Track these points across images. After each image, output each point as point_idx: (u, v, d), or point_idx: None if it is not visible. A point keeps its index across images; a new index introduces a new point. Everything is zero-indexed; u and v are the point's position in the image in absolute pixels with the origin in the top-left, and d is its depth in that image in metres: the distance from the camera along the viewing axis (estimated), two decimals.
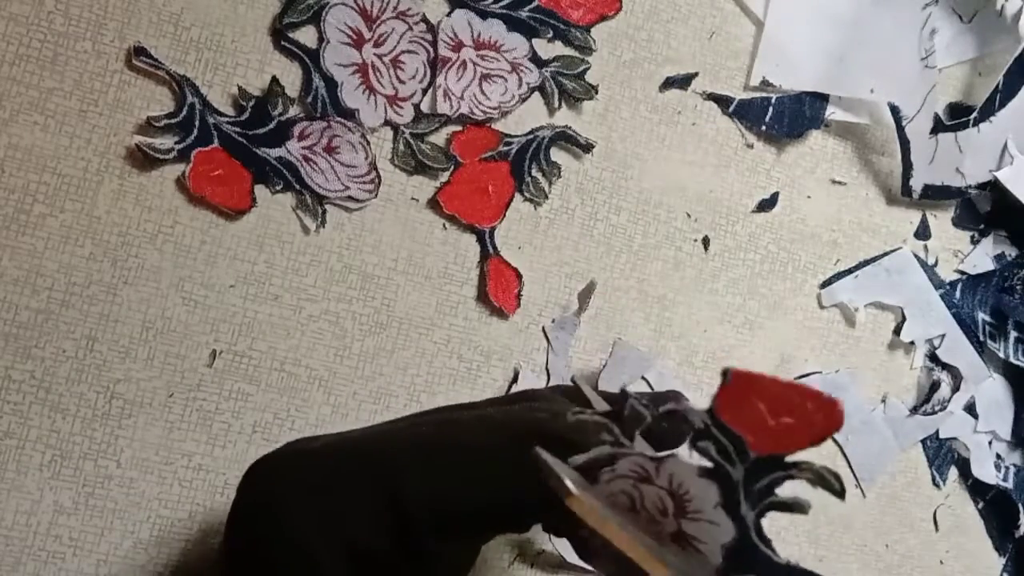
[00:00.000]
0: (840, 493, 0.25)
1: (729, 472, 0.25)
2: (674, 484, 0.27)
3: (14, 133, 0.38)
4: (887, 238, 0.54)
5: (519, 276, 0.46)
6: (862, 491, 0.53)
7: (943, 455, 0.55)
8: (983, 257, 0.56)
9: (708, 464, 0.26)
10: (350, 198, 0.43)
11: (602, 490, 0.28)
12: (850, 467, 0.53)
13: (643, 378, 0.48)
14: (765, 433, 0.25)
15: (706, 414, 0.25)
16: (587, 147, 0.47)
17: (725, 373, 0.25)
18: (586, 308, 0.46)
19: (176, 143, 0.40)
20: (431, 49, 0.44)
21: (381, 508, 0.28)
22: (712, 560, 0.27)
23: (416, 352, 0.44)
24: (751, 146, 0.51)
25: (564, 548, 0.45)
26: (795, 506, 0.25)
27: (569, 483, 0.25)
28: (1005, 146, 0.55)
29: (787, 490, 0.26)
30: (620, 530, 0.26)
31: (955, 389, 0.55)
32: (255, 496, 0.30)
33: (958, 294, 0.56)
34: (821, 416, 0.24)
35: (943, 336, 0.55)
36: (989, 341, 0.56)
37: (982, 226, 0.57)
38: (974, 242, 0.56)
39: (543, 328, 0.46)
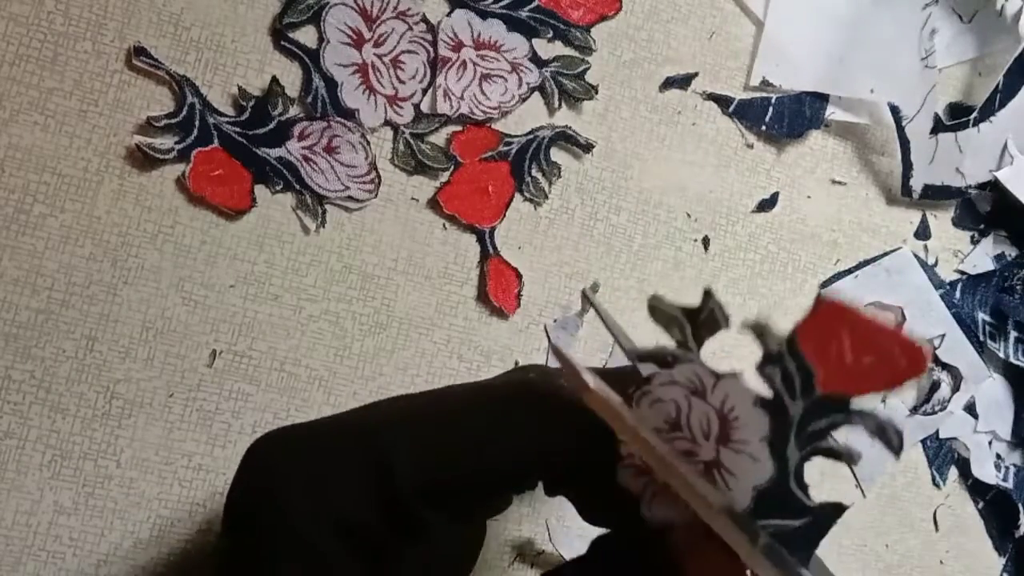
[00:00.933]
0: (898, 451, 0.24)
1: (787, 406, 0.24)
2: (726, 407, 0.25)
3: (14, 133, 0.38)
4: (887, 238, 0.54)
5: (519, 276, 0.46)
6: (862, 491, 0.53)
7: (943, 455, 0.55)
8: (983, 257, 0.56)
9: (768, 393, 0.24)
10: (350, 198, 0.43)
11: (649, 396, 0.27)
12: (850, 467, 0.53)
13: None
14: (840, 370, 0.23)
15: (784, 339, 0.24)
16: (587, 147, 0.47)
17: (817, 299, 0.23)
18: (588, 309, 0.46)
19: (176, 143, 0.40)
20: (431, 49, 0.44)
21: (371, 480, 0.28)
22: (739, 500, 0.26)
23: (416, 352, 0.44)
24: (751, 146, 0.51)
25: (564, 548, 0.45)
26: (846, 455, 0.24)
27: (588, 376, 0.24)
28: (1005, 146, 0.55)
29: (840, 437, 0.24)
30: (638, 432, 0.24)
31: (955, 389, 0.55)
32: (247, 477, 0.30)
33: (958, 294, 0.56)
34: (905, 361, 0.23)
35: (943, 336, 0.55)
36: (989, 341, 0.56)
37: (982, 226, 0.57)
38: (974, 242, 0.56)
39: (544, 328, 0.46)
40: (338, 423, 0.31)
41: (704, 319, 0.26)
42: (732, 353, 0.50)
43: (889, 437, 0.24)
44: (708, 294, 0.25)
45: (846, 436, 0.24)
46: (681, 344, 0.26)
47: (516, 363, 0.46)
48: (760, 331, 0.24)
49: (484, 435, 0.29)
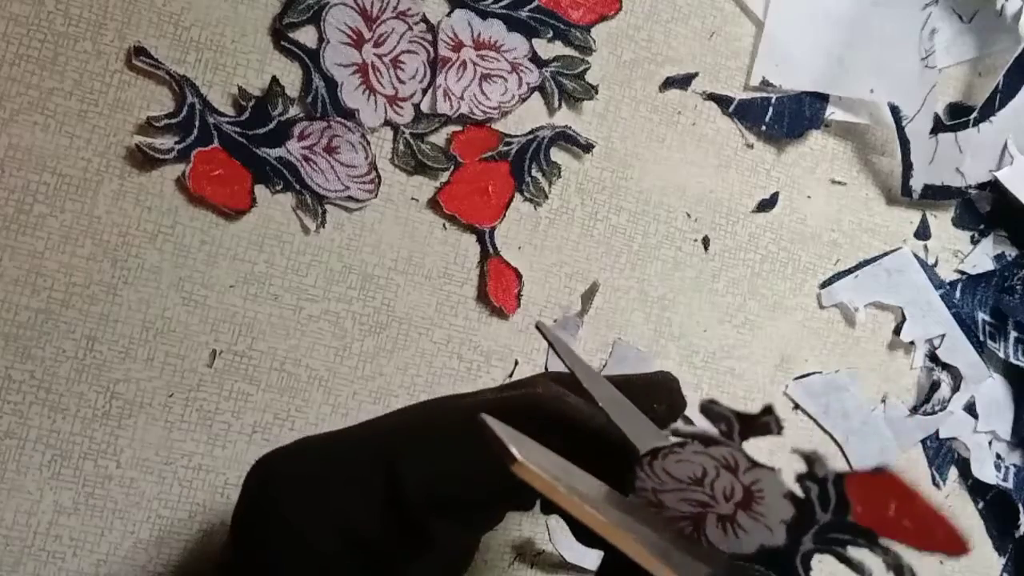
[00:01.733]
0: None
1: (815, 511, 0.25)
2: (755, 487, 0.26)
3: (14, 133, 0.38)
4: (887, 238, 0.54)
5: (519, 276, 0.46)
6: None
7: (943, 455, 0.55)
8: (983, 257, 0.56)
9: (800, 494, 0.25)
10: (350, 198, 0.43)
11: (677, 455, 0.26)
12: (850, 467, 0.53)
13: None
14: (878, 517, 0.24)
15: (833, 473, 0.24)
16: (587, 147, 0.47)
17: (878, 469, 0.23)
18: (588, 309, 0.46)
19: (176, 143, 0.40)
20: (431, 49, 0.44)
21: (379, 492, 0.28)
22: (744, 548, 0.26)
23: (416, 352, 0.44)
24: (751, 146, 0.51)
25: (564, 548, 0.45)
26: (858, 567, 0.25)
27: (514, 449, 0.24)
28: (1005, 146, 0.55)
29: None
30: (570, 496, 0.24)
31: (955, 389, 0.55)
32: (254, 491, 0.30)
33: (958, 294, 0.56)
34: (942, 542, 0.23)
35: (943, 336, 0.55)
36: (989, 341, 0.56)
37: (982, 226, 0.57)
38: (974, 242, 0.56)
39: (536, 326, 0.46)
40: (346, 435, 0.31)
41: (758, 427, 0.26)
42: (732, 353, 0.50)
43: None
44: (770, 410, 0.25)
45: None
46: (726, 435, 0.26)
47: (516, 363, 0.46)
48: (811, 460, 0.24)
49: (487, 451, 0.29)
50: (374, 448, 0.29)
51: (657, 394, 0.33)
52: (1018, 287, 0.56)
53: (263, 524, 0.29)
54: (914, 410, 0.54)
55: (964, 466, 0.55)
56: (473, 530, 0.32)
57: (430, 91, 0.44)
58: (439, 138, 0.44)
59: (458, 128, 0.44)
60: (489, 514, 0.31)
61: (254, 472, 0.31)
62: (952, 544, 0.23)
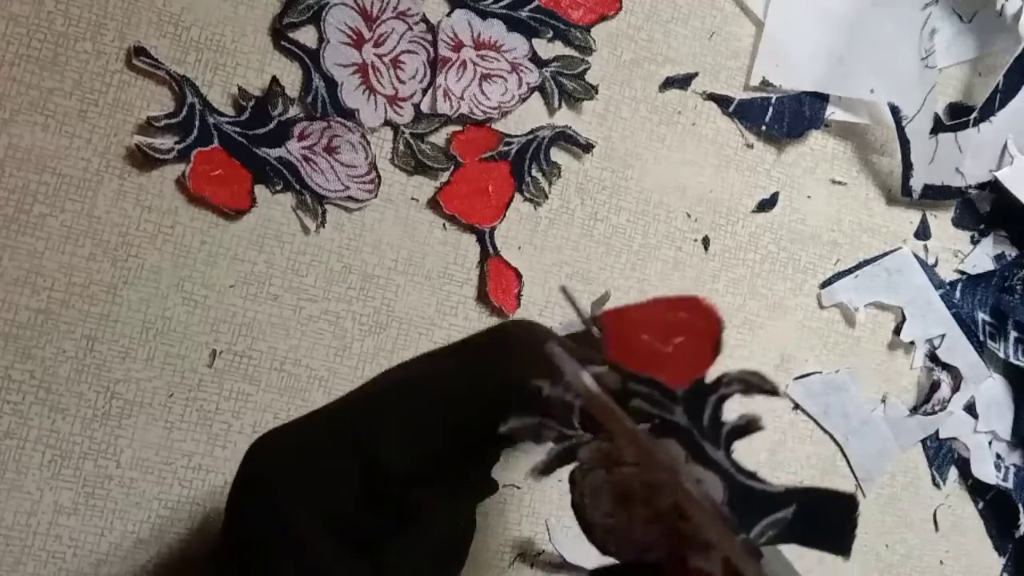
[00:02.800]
0: (773, 391, 0.24)
1: (674, 419, 0.24)
2: (644, 459, 0.25)
3: (14, 133, 0.38)
4: (887, 238, 0.54)
5: (519, 276, 0.46)
6: (862, 491, 0.53)
7: (943, 455, 0.55)
8: (983, 257, 0.56)
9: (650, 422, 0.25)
10: (350, 198, 0.43)
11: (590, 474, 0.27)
12: (850, 467, 0.53)
13: None
14: (670, 363, 0.24)
15: (614, 372, 0.24)
16: (587, 147, 0.47)
17: (596, 321, 0.23)
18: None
19: (176, 143, 0.40)
20: (431, 49, 0.44)
21: (356, 470, 0.28)
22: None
23: (416, 352, 0.44)
24: (751, 146, 0.51)
25: (564, 548, 0.45)
26: (748, 424, 0.24)
27: (588, 380, 0.23)
28: (1005, 146, 0.55)
29: (734, 414, 0.25)
30: (636, 434, 0.24)
31: (955, 389, 0.55)
32: (242, 477, 0.30)
33: (958, 294, 0.56)
34: (699, 317, 0.23)
35: (943, 336, 0.55)
36: (989, 341, 0.56)
37: (982, 226, 0.57)
38: (974, 242, 0.56)
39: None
40: (323, 416, 0.31)
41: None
42: (732, 353, 0.50)
43: (756, 385, 0.24)
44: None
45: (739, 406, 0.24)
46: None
47: None
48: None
49: (461, 385, 0.29)
50: (346, 427, 0.29)
51: None
52: (1018, 287, 0.56)
53: (247, 506, 0.30)
54: (914, 410, 0.54)
55: (964, 466, 0.55)
56: (459, 497, 0.31)
57: (430, 91, 0.44)
58: (439, 138, 0.44)
59: (458, 128, 0.44)
60: (472, 461, 0.30)
61: (246, 459, 0.31)
62: (702, 312, 0.23)
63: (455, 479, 0.30)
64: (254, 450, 0.31)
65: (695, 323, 0.24)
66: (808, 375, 0.52)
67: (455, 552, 0.32)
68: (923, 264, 0.55)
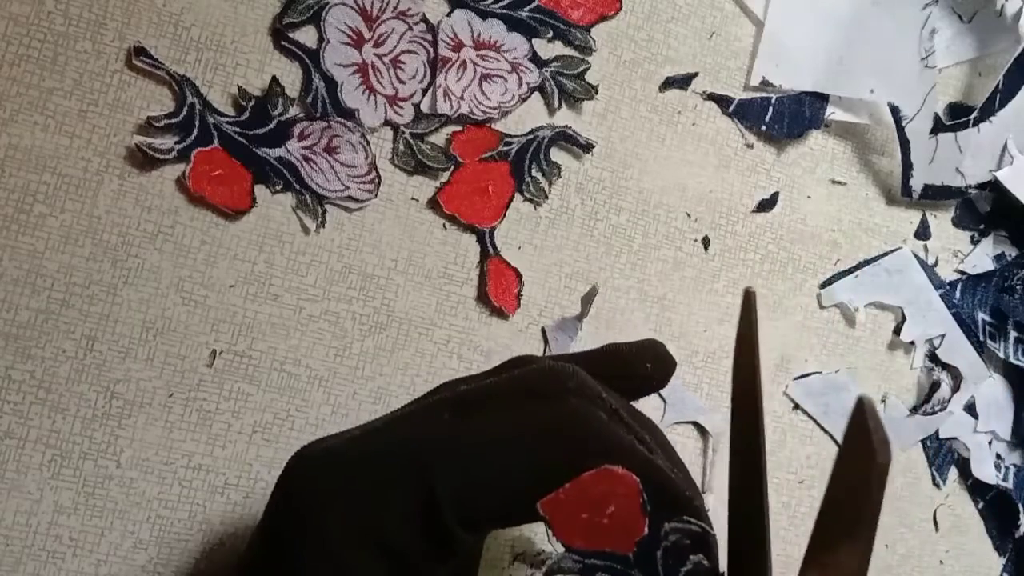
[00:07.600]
0: (706, 533, 0.26)
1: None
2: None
3: (14, 133, 0.38)
4: (887, 238, 0.54)
5: (519, 276, 0.46)
6: None
7: (943, 455, 0.55)
8: (983, 257, 0.56)
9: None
10: (350, 198, 0.43)
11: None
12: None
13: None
14: (612, 533, 0.25)
15: (568, 557, 0.25)
16: (587, 147, 0.47)
17: (538, 510, 0.25)
18: (588, 312, 0.46)
19: (176, 143, 0.40)
20: (431, 49, 0.44)
21: (417, 510, 0.28)
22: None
23: (416, 352, 0.44)
24: (751, 146, 0.51)
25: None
26: (696, 567, 0.26)
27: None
28: (1005, 146, 0.55)
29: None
30: None
31: (955, 389, 0.55)
32: (287, 499, 0.30)
33: (958, 294, 0.56)
34: (617, 485, 0.25)
35: (943, 336, 0.55)
36: (989, 341, 0.56)
37: (982, 226, 0.57)
38: (974, 242, 0.56)
39: (543, 329, 0.46)
40: (381, 442, 0.30)
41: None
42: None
43: (692, 531, 0.26)
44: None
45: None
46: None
47: None
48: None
49: (524, 470, 0.29)
50: (412, 466, 0.29)
51: (646, 355, 0.35)
52: (1018, 287, 0.56)
53: (292, 527, 0.29)
54: (914, 410, 0.54)
55: (964, 466, 0.55)
56: (485, 534, 0.32)
57: (430, 91, 0.44)
58: (439, 138, 0.44)
59: (458, 128, 0.44)
60: (513, 524, 0.31)
61: (289, 471, 0.30)
62: (616, 479, 0.25)
63: (503, 526, 0.31)
64: (298, 471, 0.30)
65: (616, 491, 0.25)
66: (808, 375, 0.52)
67: (476, 566, 0.32)
68: (923, 264, 0.55)
